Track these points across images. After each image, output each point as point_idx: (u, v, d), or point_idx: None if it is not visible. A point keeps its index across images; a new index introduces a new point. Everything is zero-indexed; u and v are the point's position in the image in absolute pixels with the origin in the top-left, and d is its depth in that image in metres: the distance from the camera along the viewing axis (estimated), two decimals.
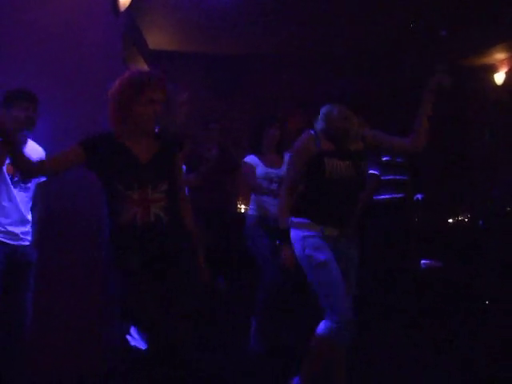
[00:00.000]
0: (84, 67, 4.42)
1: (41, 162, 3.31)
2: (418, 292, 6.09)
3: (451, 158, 10.14)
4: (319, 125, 3.67)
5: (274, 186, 5.24)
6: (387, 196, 5.95)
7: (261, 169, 5.35)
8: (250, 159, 5.44)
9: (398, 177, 5.99)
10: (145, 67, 9.11)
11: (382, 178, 5.86)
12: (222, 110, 9.79)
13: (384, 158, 5.87)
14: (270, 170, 5.34)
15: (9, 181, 3.85)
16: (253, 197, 5.43)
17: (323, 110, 3.66)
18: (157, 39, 8.91)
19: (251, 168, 5.36)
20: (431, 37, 8.45)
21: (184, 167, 4.65)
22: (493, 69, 9.62)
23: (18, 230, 3.93)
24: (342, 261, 3.60)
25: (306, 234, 3.59)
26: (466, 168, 10.17)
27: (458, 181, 9.64)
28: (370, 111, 5.50)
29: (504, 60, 9.38)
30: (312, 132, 3.70)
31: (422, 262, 6.99)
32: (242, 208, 8.02)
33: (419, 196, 7.13)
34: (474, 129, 10.24)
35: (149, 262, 3.15)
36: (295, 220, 3.68)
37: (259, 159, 5.42)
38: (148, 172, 3.20)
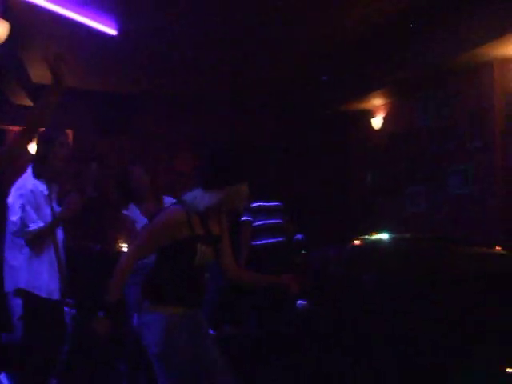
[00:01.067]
0: None
1: None
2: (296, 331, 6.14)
3: (334, 200, 10.47)
4: (197, 198, 3.26)
5: None
6: (263, 242, 5.92)
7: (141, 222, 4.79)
8: (129, 211, 4.93)
9: (272, 221, 5.99)
10: (27, 101, 8.93)
11: (255, 223, 5.83)
12: (107, 147, 9.70)
13: (254, 205, 5.83)
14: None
15: None
16: None
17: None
18: (41, 72, 8.74)
19: (131, 223, 4.84)
20: (313, 83, 8.79)
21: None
22: (371, 114, 10.03)
23: None
24: (203, 339, 3.42)
25: (163, 324, 3.28)
26: (346, 209, 10.51)
27: (339, 221, 9.92)
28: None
29: (381, 106, 9.82)
30: (183, 209, 3.28)
31: (298, 302, 7.03)
32: (123, 247, 7.83)
33: (299, 236, 7.22)
34: (355, 171, 10.65)
35: None
36: (152, 306, 3.34)
37: (138, 209, 4.92)
38: None
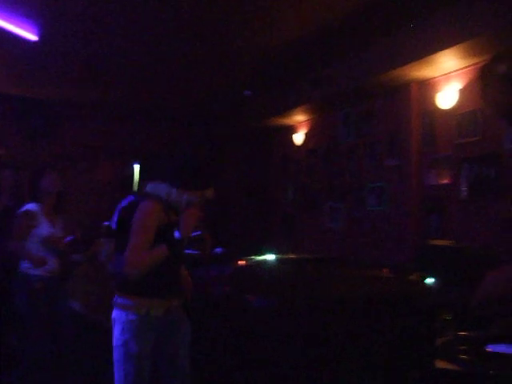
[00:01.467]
0: None
1: None
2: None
3: (254, 214, 10.51)
4: (172, 195, 3.48)
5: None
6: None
7: (45, 226, 5.01)
8: (33, 207, 5.04)
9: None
10: None
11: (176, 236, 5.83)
12: (29, 154, 9.48)
13: None
14: (52, 231, 5.03)
15: None
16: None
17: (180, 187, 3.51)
18: None
19: (29, 219, 4.95)
20: (237, 97, 8.82)
21: None
22: (293, 130, 10.16)
23: None
24: (173, 338, 3.52)
25: (129, 317, 3.36)
26: (266, 224, 10.57)
27: (258, 236, 9.96)
28: None
29: (303, 122, 9.95)
30: (155, 200, 3.46)
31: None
32: None
33: (218, 250, 7.19)
34: (276, 186, 10.74)
35: None
36: (119, 300, 3.44)
37: (42, 211, 5.05)
38: None
